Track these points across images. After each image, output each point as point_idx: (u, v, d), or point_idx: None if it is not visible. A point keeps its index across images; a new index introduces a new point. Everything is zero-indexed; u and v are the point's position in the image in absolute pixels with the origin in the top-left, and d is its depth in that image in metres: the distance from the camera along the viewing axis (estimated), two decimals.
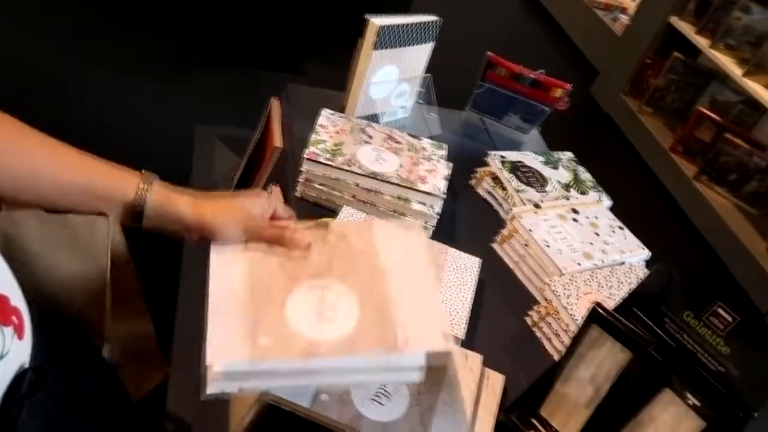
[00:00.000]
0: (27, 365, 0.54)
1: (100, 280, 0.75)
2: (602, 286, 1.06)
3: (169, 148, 2.08)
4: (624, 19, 3.50)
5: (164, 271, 1.06)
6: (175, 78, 2.54)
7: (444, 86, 1.60)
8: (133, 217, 0.66)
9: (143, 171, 0.67)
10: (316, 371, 0.65)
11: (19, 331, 0.53)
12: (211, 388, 0.60)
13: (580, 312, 1.00)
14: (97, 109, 2.26)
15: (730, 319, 0.76)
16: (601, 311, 0.79)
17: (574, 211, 1.21)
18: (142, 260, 0.87)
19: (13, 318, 0.52)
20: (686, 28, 2.83)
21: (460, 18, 3.83)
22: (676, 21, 2.88)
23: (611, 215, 1.25)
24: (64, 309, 0.76)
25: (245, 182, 1.50)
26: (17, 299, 0.54)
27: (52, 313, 0.68)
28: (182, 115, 2.29)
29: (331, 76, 1.47)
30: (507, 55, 1.48)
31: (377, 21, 1.19)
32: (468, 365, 0.90)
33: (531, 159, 1.34)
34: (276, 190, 1.15)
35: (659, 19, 2.96)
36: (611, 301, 1.04)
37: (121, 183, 0.65)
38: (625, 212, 1.32)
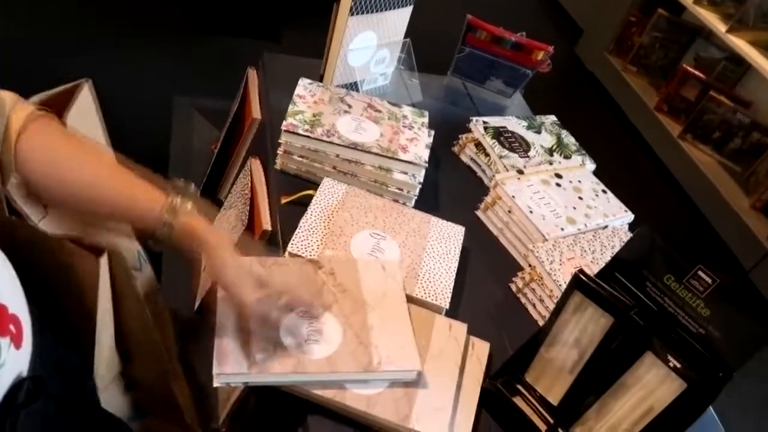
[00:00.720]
0: (25, 374, 0.53)
1: (90, 308, 0.73)
2: (585, 251, 1.06)
3: (147, 119, 2.04)
4: None
5: None
6: (152, 47, 2.47)
7: (426, 50, 1.57)
8: (153, 240, 0.69)
9: (175, 188, 0.69)
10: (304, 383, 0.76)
11: (16, 341, 0.51)
12: (217, 383, 0.73)
13: (564, 277, 1.00)
14: (73, 79, 2.19)
15: (710, 281, 0.76)
16: (582, 277, 0.79)
17: (558, 175, 1.20)
18: None
19: (11, 327, 0.51)
20: None
21: None
22: None
23: (594, 179, 1.24)
24: (66, 322, 0.75)
25: (225, 155, 1.48)
26: (17, 307, 0.53)
27: (54, 322, 0.67)
28: (160, 85, 2.24)
29: (312, 42, 1.43)
30: (490, 13, 1.45)
31: None
32: (452, 335, 0.90)
33: (514, 124, 1.33)
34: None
35: None
36: (595, 265, 1.04)
37: (146, 217, 0.68)
38: (610, 173, 1.32)
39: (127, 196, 0.68)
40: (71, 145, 0.66)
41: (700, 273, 0.76)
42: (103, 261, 0.69)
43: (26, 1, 2.48)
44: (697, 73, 2.73)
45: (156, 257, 1.24)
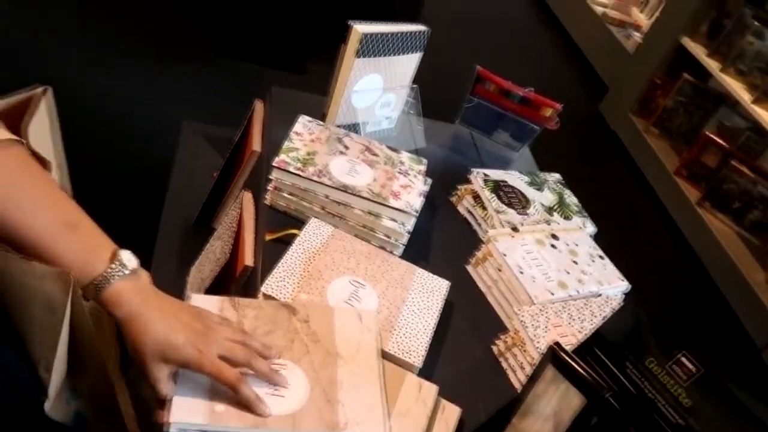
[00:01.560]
0: None
1: (54, 333, 0.70)
2: (574, 319, 1.02)
3: (156, 141, 2.05)
4: (637, 36, 3.44)
5: None
6: (169, 69, 2.51)
7: (437, 96, 1.56)
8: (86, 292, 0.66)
9: (115, 261, 0.67)
10: None
11: None
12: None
13: (547, 345, 0.95)
14: (88, 96, 2.23)
15: (693, 369, 0.71)
16: (557, 350, 0.75)
17: (554, 236, 1.17)
18: None
19: None
20: (697, 50, 2.78)
21: (470, 25, 3.79)
22: (687, 42, 2.83)
23: (593, 243, 1.20)
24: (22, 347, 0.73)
25: (223, 184, 1.47)
26: None
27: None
28: (172, 107, 2.26)
29: (327, 75, 1.43)
30: (515, 64, 1.44)
31: (360, 28, 1.15)
32: (422, 396, 0.86)
33: (515, 179, 1.30)
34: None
35: (671, 38, 2.91)
36: (581, 335, 0.99)
37: (85, 266, 0.65)
38: (624, 234, 1.27)
39: (68, 259, 0.65)
40: (21, 180, 0.63)
41: (684, 359, 0.72)
42: (73, 279, 0.66)
43: (43, 9, 2.55)
44: (719, 140, 2.68)
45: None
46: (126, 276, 0.67)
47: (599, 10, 3.75)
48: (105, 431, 0.93)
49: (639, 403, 0.73)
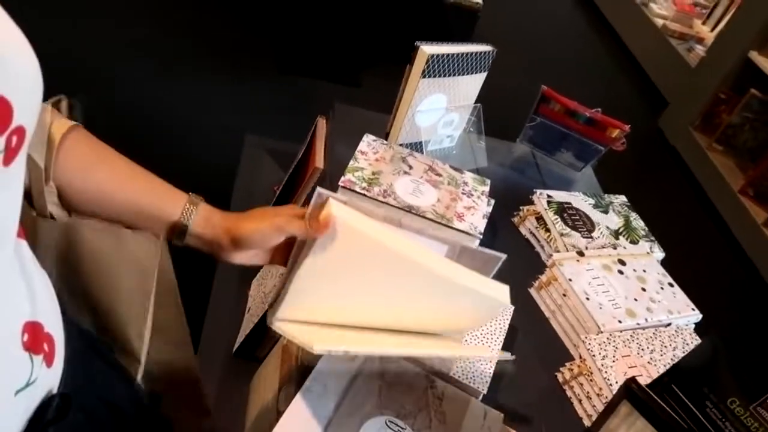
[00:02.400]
0: (55, 391, 0.54)
1: (144, 299, 0.75)
2: (643, 349, 0.99)
3: (218, 155, 2.11)
4: (699, 49, 3.33)
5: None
6: (234, 83, 2.58)
7: (497, 116, 1.55)
8: (176, 235, 0.70)
9: (190, 193, 0.72)
10: None
11: (48, 359, 0.52)
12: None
13: (616, 376, 0.93)
14: (154, 108, 2.32)
15: None
16: (634, 387, 0.73)
17: (621, 262, 1.14)
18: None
19: (45, 346, 0.52)
20: (767, 64, 2.67)
21: (526, 39, 3.75)
22: (755, 56, 2.72)
23: (661, 269, 1.16)
24: (102, 327, 0.76)
25: (285, 199, 1.49)
26: (52, 325, 0.54)
27: (87, 333, 0.69)
28: (236, 121, 2.33)
29: (388, 90, 1.44)
30: (572, 79, 1.41)
31: (427, 49, 1.15)
32: (486, 424, 0.84)
33: (580, 201, 1.28)
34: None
35: (737, 52, 2.80)
36: (652, 366, 0.96)
37: (169, 204, 0.70)
38: (685, 256, 1.23)
39: (149, 199, 0.70)
40: (105, 151, 0.69)
41: None
42: (163, 239, 0.70)
43: (117, 23, 2.66)
44: None
45: (202, 298, 1.26)
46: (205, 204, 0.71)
47: (659, 22, 3.65)
48: (180, 410, 0.95)
49: None
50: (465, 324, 0.83)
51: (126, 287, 0.74)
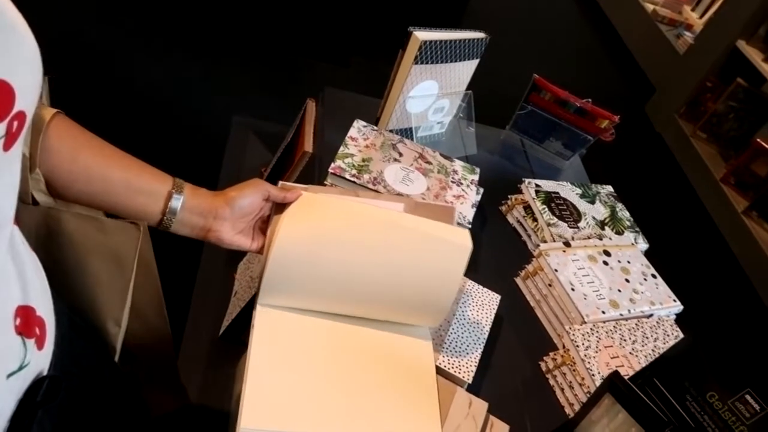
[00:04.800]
0: (45, 373, 0.54)
1: (123, 288, 0.75)
2: (625, 340, 1.01)
3: (206, 134, 2.09)
4: (688, 36, 3.34)
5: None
6: (221, 64, 2.54)
7: (487, 104, 1.54)
8: (169, 211, 0.72)
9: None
10: None
11: (39, 342, 0.53)
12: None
13: (598, 366, 0.95)
14: (139, 89, 2.28)
15: (758, 408, 0.70)
16: (617, 381, 0.75)
17: (606, 252, 1.15)
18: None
19: (36, 329, 0.52)
20: (753, 54, 2.69)
21: (516, 23, 3.73)
22: (743, 45, 2.74)
23: (645, 261, 1.18)
24: (84, 312, 0.76)
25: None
26: (43, 309, 0.54)
27: (72, 316, 0.68)
28: (225, 100, 2.30)
29: (379, 71, 1.42)
30: (560, 63, 1.41)
31: (420, 35, 1.14)
32: (471, 412, 0.86)
33: (567, 191, 1.28)
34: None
35: (725, 41, 2.82)
36: (633, 357, 0.99)
37: (160, 177, 0.72)
38: (665, 243, 1.25)
39: (138, 173, 0.71)
40: (89, 136, 0.69)
41: (748, 397, 0.70)
42: (144, 229, 0.71)
43: (112, 7, 2.59)
44: None
45: (188, 281, 1.25)
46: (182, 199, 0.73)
47: (649, 7, 3.65)
48: (158, 390, 0.96)
49: None
50: (436, 284, 0.82)
51: (105, 276, 0.74)
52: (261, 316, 0.81)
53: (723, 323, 2.24)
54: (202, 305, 1.23)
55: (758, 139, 2.66)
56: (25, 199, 0.65)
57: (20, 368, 0.49)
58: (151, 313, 0.84)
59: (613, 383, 0.75)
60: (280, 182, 0.84)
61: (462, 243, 0.80)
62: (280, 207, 0.81)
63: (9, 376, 0.48)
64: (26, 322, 0.50)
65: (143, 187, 0.71)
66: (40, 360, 0.53)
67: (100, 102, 2.11)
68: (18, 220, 0.61)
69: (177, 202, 0.72)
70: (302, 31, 2.88)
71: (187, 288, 1.24)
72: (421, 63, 1.18)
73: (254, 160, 1.60)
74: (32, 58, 0.41)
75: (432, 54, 1.18)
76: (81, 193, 0.68)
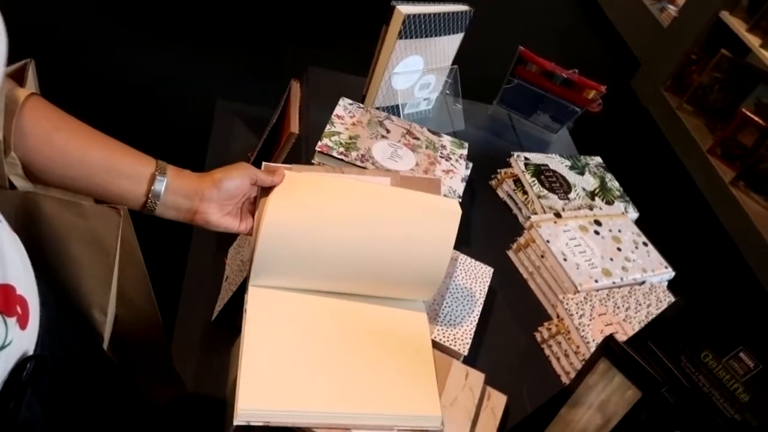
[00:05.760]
0: (30, 353, 0.54)
1: (107, 274, 0.73)
2: (619, 307, 1.01)
3: (190, 120, 2.06)
4: (672, 10, 3.34)
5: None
6: (206, 46, 2.51)
7: (474, 78, 1.53)
8: (153, 195, 0.70)
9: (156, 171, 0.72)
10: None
11: (22, 321, 0.52)
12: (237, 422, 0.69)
13: (593, 334, 0.95)
14: (124, 71, 2.24)
15: (752, 365, 0.70)
16: (612, 345, 0.75)
17: (597, 222, 1.15)
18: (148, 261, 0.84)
19: (18, 308, 0.51)
20: (737, 25, 2.69)
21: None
22: (726, 16, 2.74)
23: (636, 229, 1.18)
24: (70, 299, 0.75)
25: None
26: (24, 287, 0.53)
27: (59, 300, 0.67)
28: (208, 85, 2.27)
29: (362, 52, 1.41)
30: (545, 38, 1.40)
31: (404, 9, 1.13)
32: (468, 384, 0.86)
33: (557, 163, 1.28)
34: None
35: (709, 12, 2.82)
36: (627, 324, 0.99)
37: (142, 159, 0.70)
38: (654, 215, 1.25)
39: (119, 155, 0.69)
40: (66, 117, 0.67)
41: (742, 355, 0.71)
42: (124, 213, 0.69)
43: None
44: (756, 119, 2.61)
45: (179, 268, 1.24)
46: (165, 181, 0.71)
47: None
48: (153, 379, 0.96)
49: (694, 397, 0.72)
50: (429, 253, 0.81)
51: (87, 261, 0.72)
52: (253, 297, 0.80)
53: (713, 289, 2.26)
54: (194, 291, 1.22)
55: (744, 109, 2.67)
56: (1, 184, 0.64)
57: (2, 347, 0.48)
58: (138, 299, 0.83)
59: (608, 346, 0.75)
60: (264, 163, 0.83)
61: (450, 208, 0.80)
62: (266, 188, 0.80)
63: None
64: (5, 300, 0.49)
65: (125, 169, 0.69)
66: (24, 340, 0.53)
67: (79, 90, 2.07)
68: None
69: (161, 185, 0.70)
70: (283, 15, 2.85)
71: (177, 275, 1.23)
72: (405, 38, 1.17)
73: (240, 145, 1.59)
74: None
75: (416, 28, 1.16)
76: (60, 177, 0.66)
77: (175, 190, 0.71)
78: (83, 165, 0.66)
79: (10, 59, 0.53)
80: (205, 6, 2.74)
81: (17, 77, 0.69)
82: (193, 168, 0.76)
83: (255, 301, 0.80)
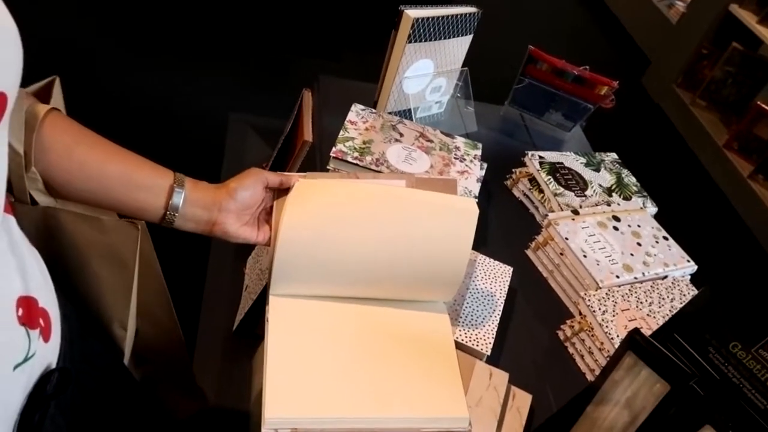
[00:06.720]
0: (53, 366, 0.54)
1: (126, 289, 0.74)
2: (642, 302, 1.00)
3: (204, 134, 2.08)
4: (680, 5, 3.32)
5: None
6: (213, 61, 2.53)
7: (485, 80, 1.53)
8: (171, 207, 0.70)
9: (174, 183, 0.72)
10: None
11: (45, 334, 0.52)
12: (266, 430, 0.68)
13: (617, 330, 0.94)
14: (136, 90, 2.28)
15: None
16: (637, 338, 0.74)
17: (615, 218, 1.14)
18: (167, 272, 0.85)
19: (41, 320, 0.52)
20: (747, 17, 2.67)
21: (507, 0, 3.71)
22: (736, 9, 2.72)
23: (655, 223, 1.17)
24: (91, 314, 0.76)
25: None
26: (46, 300, 0.54)
27: (80, 315, 0.68)
28: (219, 100, 2.29)
29: (370, 63, 1.41)
30: (553, 39, 1.40)
31: (412, 13, 1.13)
32: (492, 384, 0.85)
33: (571, 160, 1.27)
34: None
35: (718, 6, 2.80)
36: (651, 318, 0.98)
37: (160, 172, 0.70)
38: (673, 212, 1.24)
39: (137, 168, 0.70)
40: (86, 131, 0.68)
41: None
42: (142, 228, 0.70)
43: (97, 12, 2.59)
44: None
45: (198, 280, 1.25)
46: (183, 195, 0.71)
47: None
48: (175, 393, 0.96)
49: (724, 389, 0.71)
50: (448, 253, 0.81)
51: (106, 277, 0.73)
52: (275, 306, 0.80)
53: (736, 281, 2.23)
54: (214, 302, 1.22)
55: (759, 102, 2.63)
56: (22, 198, 0.64)
57: (26, 360, 0.48)
58: (158, 313, 0.83)
59: (634, 340, 0.74)
60: (278, 173, 0.83)
61: (467, 207, 0.79)
62: (281, 195, 0.80)
63: (15, 367, 0.47)
64: (29, 312, 0.50)
65: (143, 182, 0.69)
66: (47, 352, 0.53)
67: (93, 110, 2.10)
68: (16, 216, 0.61)
69: (179, 197, 0.70)
70: (291, 28, 2.88)
71: (197, 287, 1.24)
72: (415, 41, 1.17)
73: (254, 156, 1.60)
74: (8, 36, 0.40)
75: (425, 31, 1.17)
76: (80, 191, 0.67)
77: (193, 201, 0.71)
78: (102, 178, 0.67)
79: (32, 78, 0.54)
80: (213, 22, 2.78)
81: (43, 95, 0.70)
82: (210, 180, 0.77)
83: (276, 309, 0.80)
